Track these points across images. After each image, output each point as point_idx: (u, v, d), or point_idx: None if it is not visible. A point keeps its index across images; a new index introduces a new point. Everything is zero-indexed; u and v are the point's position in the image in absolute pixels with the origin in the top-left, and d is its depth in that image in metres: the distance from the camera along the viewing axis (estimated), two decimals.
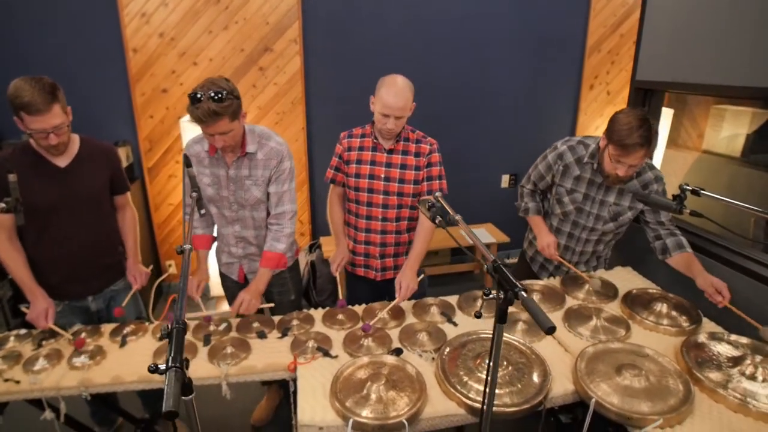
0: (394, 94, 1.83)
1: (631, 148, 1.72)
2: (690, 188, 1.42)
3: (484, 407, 0.94)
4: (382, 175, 2.01)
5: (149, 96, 3.26)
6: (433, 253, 3.90)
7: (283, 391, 2.53)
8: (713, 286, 1.76)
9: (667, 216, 1.98)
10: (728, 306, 1.73)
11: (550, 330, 0.79)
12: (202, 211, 1.40)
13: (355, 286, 2.30)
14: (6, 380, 1.54)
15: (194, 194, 1.32)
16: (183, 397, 0.75)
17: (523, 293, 0.84)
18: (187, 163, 1.41)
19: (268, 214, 1.97)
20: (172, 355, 0.74)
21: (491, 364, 0.91)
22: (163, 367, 0.74)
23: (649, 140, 1.71)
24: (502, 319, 0.88)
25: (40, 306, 1.75)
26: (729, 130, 3.22)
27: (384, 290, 2.16)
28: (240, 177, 1.88)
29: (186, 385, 0.76)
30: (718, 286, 1.75)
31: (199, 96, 1.60)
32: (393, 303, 1.85)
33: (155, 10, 3.10)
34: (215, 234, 2.12)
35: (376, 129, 1.99)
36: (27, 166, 1.71)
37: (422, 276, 2.00)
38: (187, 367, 0.76)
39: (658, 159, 3.40)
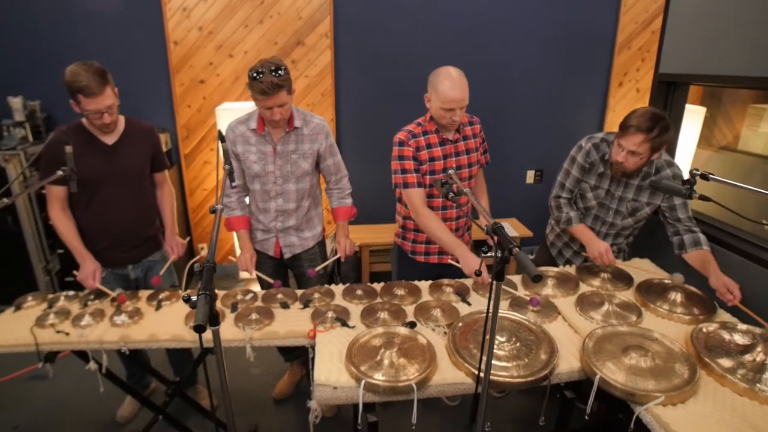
0: (452, 88, 1.82)
1: (629, 130, 1.79)
2: (699, 173, 1.45)
3: (483, 358, 1.01)
4: (455, 166, 2.04)
5: (188, 86, 3.45)
6: None
7: (305, 369, 2.65)
8: (725, 285, 1.78)
9: (686, 213, 2.00)
10: (738, 305, 1.75)
11: (537, 278, 0.86)
12: (234, 184, 1.52)
13: (409, 268, 2.25)
14: (58, 332, 1.71)
15: (227, 167, 1.44)
16: (211, 327, 0.85)
17: (516, 249, 0.91)
18: (222, 138, 1.53)
19: (310, 186, 2.15)
20: (202, 286, 0.86)
21: (489, 316, 0.98)
22: (194, 298, 0.86)
23: (649, 129, 1.75)
24: (499, 276, 0.96)
25: (89, 268, 1.92)
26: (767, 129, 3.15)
27: (439, 274, 2.11)
28: (287, 152, 2.03)
29: (214, 317, 0.87)
30: (730, 286, 1.78)
31: (261, 71, 1.77)
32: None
33: (195, 5, 3.28)
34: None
35: (439, 123, 1.97)
36: (80, 142, 1.88)
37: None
38: (214, 299, 0.87)
39: (688, 158, 3.35)
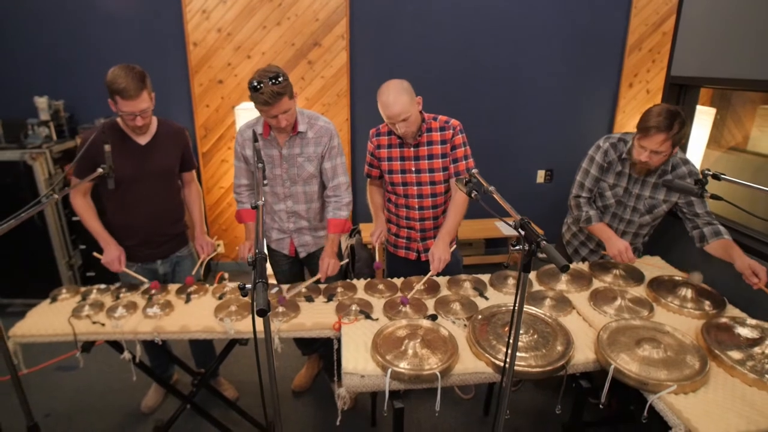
0: (386, 104, 1.93)
1: (650, 131, 1.84)
2: (711, 173, 1.51)
3: (510, 343, 1.08)
4: (413, 169, 2.13)
5: (206, 86, 3.54)
6: (467, 244, 4.02)
7: (323, 362, 2.73)
8: (750, 267, 1.82)
9: (704, 208, 2.06)
10: (763, 288, 1.79)
11: (565, 268, 0.93)
12: (265, 182, 1.59)
13: (396, 265, 2.42)
14: (94, 323, 1.80)
15: (261, 165, 1.51)
16: (260, 316, 0.93)
17: (544, 242, 0.99)
18: (255, 138, 1.61)
19: (319, 187, 2.18)
20: (257, 275, 0.94)
21: (516, 308, 1.06)
22: (248, 286, 0.94)
23: (669, 127, 1.81)
24: (526, 268, 1.03)
25: (113, 252, 2.01)
26: None
27: (425, 269, 2.23)
28: (293, 155, 2.08)
29: (268, 303, 0.95)
30: (756, 269, 1.82)
31: (260, 83, 1.81)
32: (428, 275, 2.00)
33: (215, 7, 3.36)
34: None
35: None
36: (114, 141, 1.97)
37: (453, 247, 2.11)
38: (267, 287, 0.95)
39: (698, 158, 3.41)
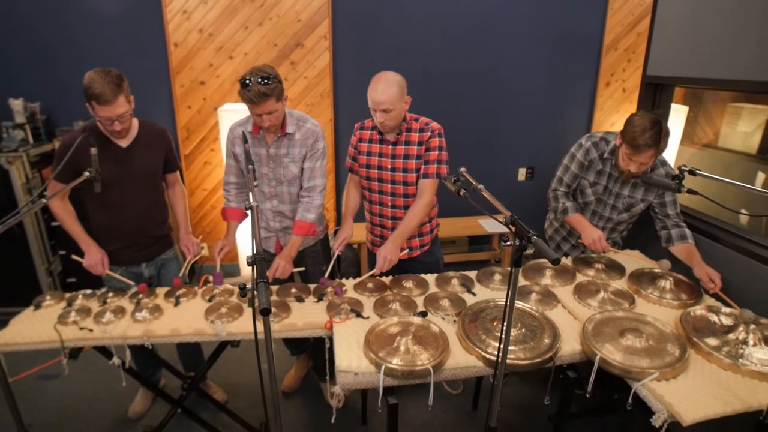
0: (376, 90, 1.95)
1: (642, 148, 1.91)
2: (687, 169, 1.59)
3: (501, 343, 1.12)
4: (389, 166, 2.15)
5: (188, 87, 3.50)
6: (450, 242, 4.07)
7: (311, 362, 2.74)
8: (707, 274, 1.96)
9: (674, 210, 2.17)
10: (719, 293, 1.92)
11: (556, 261, 0.97)
12: (256, 183, 1.60)
13: (374, 262, 2.44)
14: (81, 329, 1.77)
15: (251, 166, 1.52)
16: (262, 316, 0.95)
17: (534, 237, 1.02)
18: (245, 139, 1.62)
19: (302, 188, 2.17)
20: (257, 275, 0.95)
21: (508, 302, 1.09)
22: (249, 286, 0.95)
23: (658, 141, 1.89)
24: (517, 262, 1.06)
25: (96, 255, 1.99)
26: (745, 128, 3.34)
27: (400, 268, 2.26)
28: (279, 155, 2.09)
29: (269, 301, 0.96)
30: (712, 275, 1.96)
31: (249, 80, 1.82)
32: (369, 273, 2.05)
33: (196, 7, 3.33)
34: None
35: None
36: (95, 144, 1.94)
37: (405, 252, 2.16)
38: (268, 285, 0.96)
39: (672, 155, 3.53)
